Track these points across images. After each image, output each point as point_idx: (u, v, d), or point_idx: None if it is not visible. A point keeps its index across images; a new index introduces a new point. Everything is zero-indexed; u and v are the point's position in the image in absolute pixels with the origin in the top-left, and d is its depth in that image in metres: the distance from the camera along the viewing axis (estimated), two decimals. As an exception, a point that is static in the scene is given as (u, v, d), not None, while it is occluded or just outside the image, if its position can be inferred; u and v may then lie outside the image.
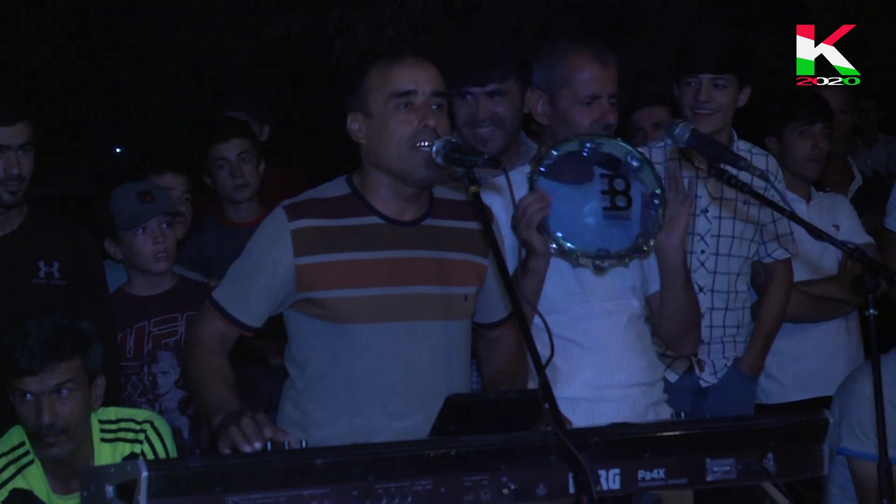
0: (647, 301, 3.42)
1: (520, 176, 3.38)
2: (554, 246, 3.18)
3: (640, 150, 3.37)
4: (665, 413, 3.35)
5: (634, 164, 3.27)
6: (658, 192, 3.25)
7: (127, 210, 4.12)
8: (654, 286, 3.38)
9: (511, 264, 2.85)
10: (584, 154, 3.24)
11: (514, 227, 3.12)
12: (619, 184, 3.25)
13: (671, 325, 3.39)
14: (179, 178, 4.50)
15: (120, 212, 4.13)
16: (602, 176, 3.25)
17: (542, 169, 3.20)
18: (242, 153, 4.68)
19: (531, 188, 3.17)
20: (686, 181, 3.27)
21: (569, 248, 3.18)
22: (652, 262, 3.35)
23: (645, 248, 3.26)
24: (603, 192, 3.24)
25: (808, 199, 4.58)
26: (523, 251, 3.06)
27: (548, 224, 3.15)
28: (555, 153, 3.21)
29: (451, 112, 4.13)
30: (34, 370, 3.29)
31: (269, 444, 2.36)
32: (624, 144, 3.31)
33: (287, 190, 4.31)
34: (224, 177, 4.67)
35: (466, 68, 4.00)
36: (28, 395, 3.31)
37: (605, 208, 3.23)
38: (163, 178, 4.45)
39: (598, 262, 3.22)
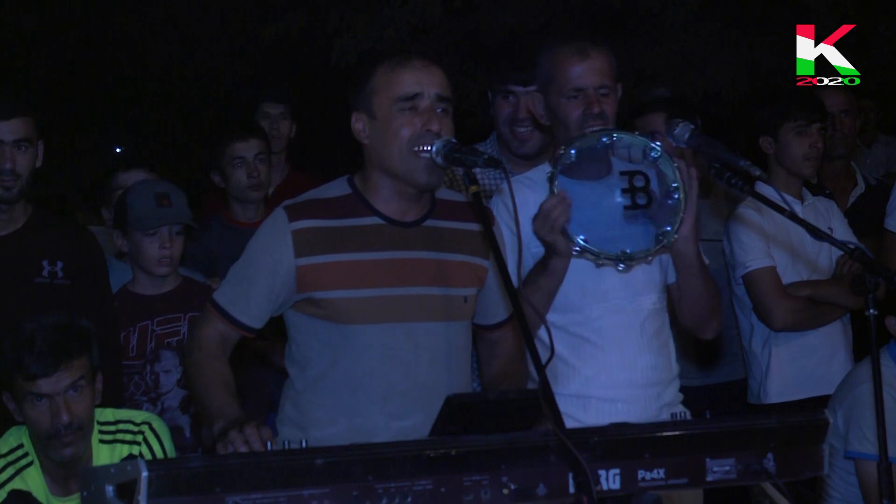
0: (668, 290, 3.42)
1: (539, 175, 3.39)
2: (576, 248, 3.17)
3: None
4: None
5: (653, 156, 3.25)
6: (676, 185, 3.23)
7: (141, 209, 4.13)
8: (672, 277, 3.38)
9: (511, 265, 2.85)
10: (599, 147, 3.23)
11: (536, 228, 3.12)
12: (639, 180, 3.24)
13: (691, 314, 3.40)
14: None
15: (134, 209, 4.14)
16: (622, 174, 3.24)
17: (561, 168, 3.18)
18: (259, 154, 4.76)
19: (551, 189, 3.16)
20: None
21: (592, 250, 3.17)
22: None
23: (667, 244, 3.24)
24: (623, 191, 3.22)
25: (802, 200, 4.60)
26: (525, 252, 3.05)
27: (569, 227, 3.14)
28: (573, 152, 3.19)
29: (493, 110, 4.17)
30: (49, 372, 3.29)
31: (269, 444, 2.36)
32: (642, 138, 3.29)
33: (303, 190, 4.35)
34: (239, 176, 4.73)
35: (510, 68, 4.03)
36: (42, 399, 3.31)
37: (626, 207, 3.22)
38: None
39: (620, 263, 3.22)
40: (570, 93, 3.31)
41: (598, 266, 3.26)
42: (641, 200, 3.23)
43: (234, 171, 4.72)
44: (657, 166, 3.26)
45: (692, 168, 3.24)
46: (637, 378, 3.33)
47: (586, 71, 3.31)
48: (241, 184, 4.72)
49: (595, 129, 3.25)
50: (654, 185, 3.25)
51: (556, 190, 3.15)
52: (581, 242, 3.15)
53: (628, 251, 3.20)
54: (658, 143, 3.27)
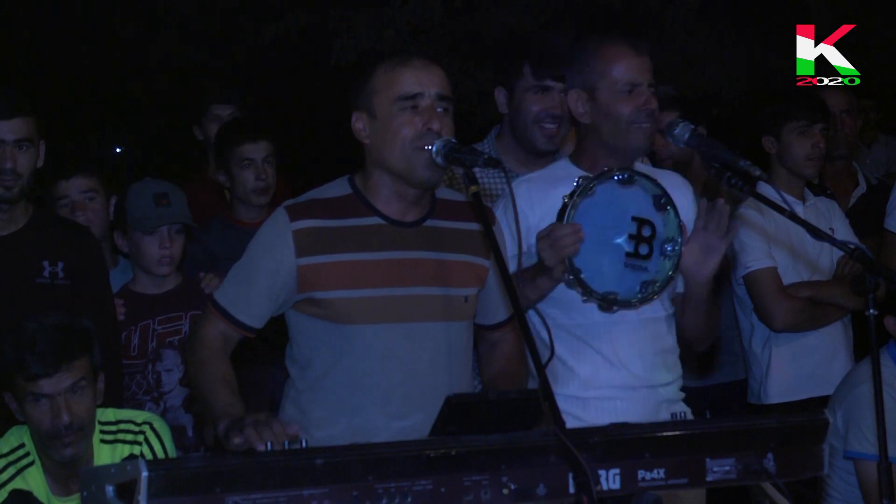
0: (672, 300, 3.41)
1: (558, 171, 3.36)
2: (570, 277, 3.13)
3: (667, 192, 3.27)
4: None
5: (661, 202, 3.22)
6: (676, 239, 3.21)
7: (140, 210, 4.14)
8: (680, 287, 3.36)
9: (512, 266, 2.84)
10: (616, 179, 3.17)
11: (541, 248, 3.08)
12: (647, 230, 3.21)
13: (689, 332, 3.41)
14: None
15: (133, 210, 4.15)
16: (633, 219, 3.20)
17: (581, 198, 3.13)
18: (268, 156, 4.72)
19: (563, 217, 3.11)
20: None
21: (586, 285, 3.14)
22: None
23: (653, 298, 3.25)
24: (630, 237, 3.20)
25: (804, 200, 4.60)
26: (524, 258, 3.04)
27: (573, 259, 3.10)
28: (597, 188, 3.13)
29: (517, 106, 4.13)
30: (50, 373, 3.29)
31: (268, 444, 2.36)
32: (654, 184, 3.24)
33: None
34: (247, 177, 4.69)
35: (550, 63, 3.99)
36: (43, 399, 3.31)
37: (628, 254, 3.19)
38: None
39: (604, 305, 3.20)
40: (625, 87, 3.25)
41: (584, 302, 3.24)
42: (644, 250, 3.21)
43: (241, 172, 4.70)
44: (665, 214, 3.23)
45: (724, 213, 3.17)
46: (634, 384, 3.32)
47: (641, 66, 3.27)
48: (248, 185, 4.69)
49: (620, 175, 3.17)
50: (659, 232, 3.23)
51: (571, 219, 3.10)
52: (579, 275, 3.12)
53: (619, 296, 3.18)
54: (668, 195, 3.23)
